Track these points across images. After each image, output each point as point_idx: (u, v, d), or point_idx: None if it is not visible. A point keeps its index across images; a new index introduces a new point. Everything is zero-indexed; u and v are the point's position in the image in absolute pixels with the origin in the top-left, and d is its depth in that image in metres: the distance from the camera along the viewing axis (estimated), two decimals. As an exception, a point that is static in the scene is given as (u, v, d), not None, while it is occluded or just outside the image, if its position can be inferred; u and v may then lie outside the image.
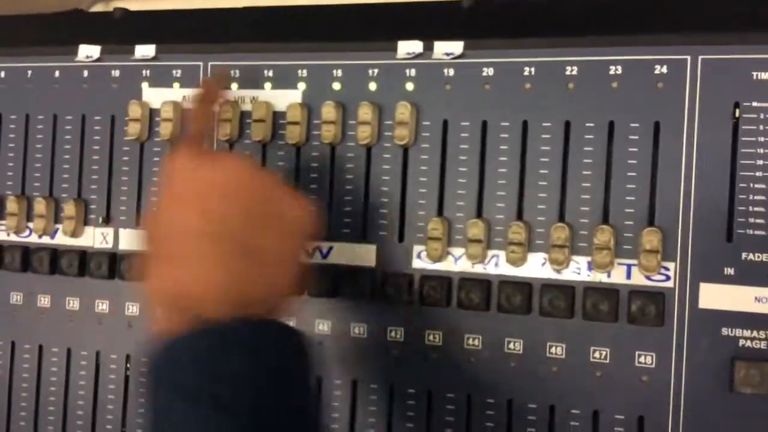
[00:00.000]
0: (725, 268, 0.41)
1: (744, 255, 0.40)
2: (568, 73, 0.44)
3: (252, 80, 0.50)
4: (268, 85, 0.50)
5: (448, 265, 0.45)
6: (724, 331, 0.40)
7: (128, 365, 0.51)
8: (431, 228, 0.45)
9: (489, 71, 0.45)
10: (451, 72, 0.46)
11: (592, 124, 0.43)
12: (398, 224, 0.46)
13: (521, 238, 0.44)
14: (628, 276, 0.42)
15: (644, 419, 0.41)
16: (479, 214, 0.45)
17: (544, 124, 0.44)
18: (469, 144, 0.45)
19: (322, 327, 0.47)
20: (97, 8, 0.70)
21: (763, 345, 0.40)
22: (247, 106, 0.49)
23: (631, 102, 0.43)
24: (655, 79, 0.42)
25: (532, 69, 0.45)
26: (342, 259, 0.47)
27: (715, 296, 0.41)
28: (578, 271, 0.43)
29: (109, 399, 0.51)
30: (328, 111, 0.47)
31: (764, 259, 0.40)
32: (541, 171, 0.44)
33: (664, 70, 0.42)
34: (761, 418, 0.40)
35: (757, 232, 0.40)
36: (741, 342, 0.40)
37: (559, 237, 0.43)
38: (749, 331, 0.40)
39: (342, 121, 0.48)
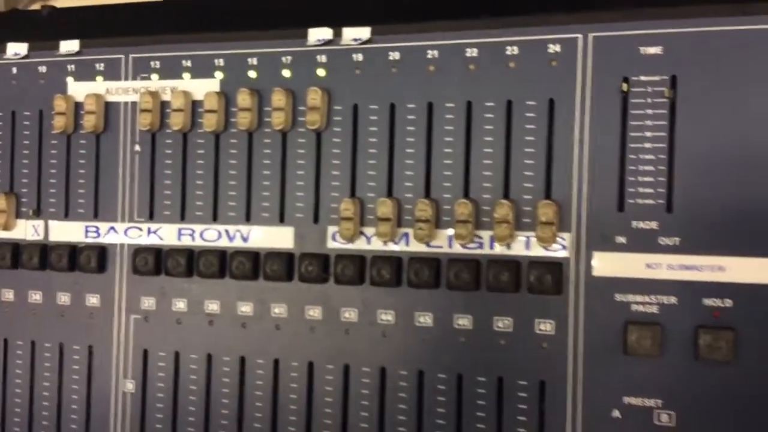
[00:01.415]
0: (617, 237, 0.43)
1: (634, 223, 0.43)
2: (468, 55, 0.46)
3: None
4: (186, 75, 0.52)
5: (361, 245, 0.48)
6: (618, 297, 0.43)
7: (62, 354, 0.53)
8: (343, 208, 0.47)
9: (395, 55, 0.47)
10: (360, 57, 0.48)
11: (491, 104, 0.45)
12: (313, 206, 0.49)
13: (428, 215, 0.46)
14: (527, 247, 0.44)
15: (545, 384, 0.44)
16: (389, 194, 0.47)
17: (448, 105, 0.46)
18: (378, 126, 0.48)
19: (245, 309, 0.50)
20: (35, 7, 0.72)
21: (653, 309, 0.42)
22: (167, 96, 0.52)
23: (527, 81, 0.45)
24: (549, 58, 0.45)
25: (435, 52, 0.47)
26: (261, 242, 0.50)
27: (608, 264, 0.43)
28: (482, 244, 0.45)
29: (45, 387, 0.54)
30: (243, 98, 0.49)
31: (654, 227, 0.42)
32: (446, 150, 0.46)
33: (558, 48, 0.44)
34: (653, 379, 0.42)
35: (646, 201, 0.43)
36: (633, 307, 0.42)
37: (462, 212, 0.45)
38: (641, 296, 0.42)
39: (258, 108, 0.50)
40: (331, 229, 0.48)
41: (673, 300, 0.42)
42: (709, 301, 0.41)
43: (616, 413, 0.42)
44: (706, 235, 0.41)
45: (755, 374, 0.40)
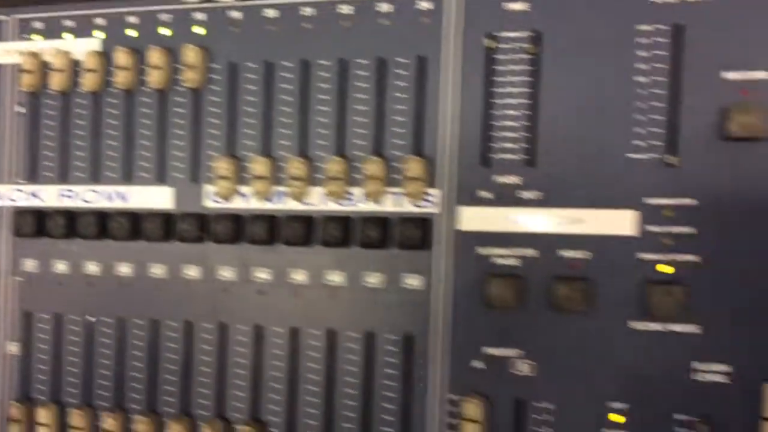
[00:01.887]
0: (482, 192, 0.44)
1: (498, 178, 0.43)
2: (342, 12, 0.46)
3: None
4: (68, 35, 0.51)
5: (238, 203, 0.48)
6: (481, 250, 0.44)
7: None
8: (220, 167, 0.47)
9: (271, 13, 0.48)
10: (237, 15, 0.48)
11: (365, 61, 0.46)
12: (191, 166, 0.49)
13: (302, 173, 0.46)
14: (398, 204, 0.45)
15: (414, 337, 0.45)
16: (265, 153, 0.47)
17: (322, 62, 0.46)
18: (254, 85, 0.48)
19: (124, 270, 0.50)
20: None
21: (514, 262, 0.43)
22: (49, 57, 0.51)
23: (399, 38, 0.45)
24: (419, 15, 0.45)
25: (310, 9, 0.47)
26: (140, 202, 0.49)
27: (472, 219, 0.44)
28: (354, 201, 0.46)
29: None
30: (120, 57, 0.49)
31: (516, 182, 0.43)
32: (320, 107, 0.46)
33: (428, 5, 0.45)
34: (513, 329, 0.43)
35: (509, 157, 0.43)
36: (496, 260, 0.43)
37: (334, 170, 0.45)
38: (503, 249, 0.43)
39: (137, 66, 0.50)
40: (209, 189, 0.48)
41: (532, 252, 0.43)
42: (566, 253, 0.42)
43: (478, 364, 0.44)
44: (565, 189, 0.42)
45: (610, 323, 0.42)
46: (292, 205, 0.47)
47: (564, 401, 0.42)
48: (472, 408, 0.43)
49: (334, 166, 0.45)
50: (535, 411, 0.43)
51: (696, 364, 0.40)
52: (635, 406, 0.41)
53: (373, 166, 0.45)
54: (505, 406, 0.43)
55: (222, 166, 0.47)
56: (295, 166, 0.46)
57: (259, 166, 0.47)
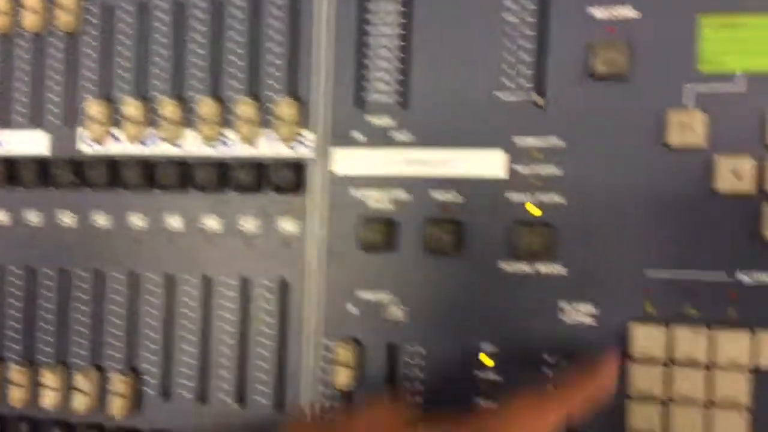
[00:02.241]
0: (355, 134, 0.43)
1: (371, 120, 0.43)
2: (217, -51, 0.45)
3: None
4: (-61, -26, 0.49)
5: (110, 147, 0.47)
6: (355, 193, 0.43)
7: None
8: (93, 110, 0.46)
9: (146, -49, 0.46)
10: (112, -47, 0.47)
11: (239, 1, 0.45)
12: (66, 109, 0.47)
13: (175, 115, 0.45)
14: (272, 147, 0.44)
15: (289, 282, 0.44)
16: (140, 95, 0.46)
17: (196, 2, 0.45)
18: (128, 26, 0.46)
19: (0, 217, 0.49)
20: None
21: (387, 205, 0.42)
22: None
23: (274, -24, 0.44)
24: (294, -47, 0.44)
25: (185, -53, 0.46)
26: (15, 147, 0.48)
27: (346, 161, 0.43)
28: (228, 144, 0.45)
29: None
30: (-8, -3, 0.47)
31: (389, 123, 0.42)
32: (194, 48, 0.45)
33: (302, -57, 0.44)
34: (386, 273, 0.43)
35: (382, 98, 0.43)
36: (369, 203, 0.43)
37: (207, 112, 0.44)
38: (376, 192, 0.43)
39: (13, 10, 0.48)
40: (83, 133, 0.47)
41: (405, 195, 0.42)
42: (437, 195, 0.42)
43: (351, 308, 0.43)
44: (437, 131, 0.42)
45: (479, 265, 0.41)
46: (166, 149, 0.46)
47: (435, 344, 0.42)
48: (345, 353, 0.42)
49: (206, 107, 0.44)
50: (408, 354, 0.42)
51: (563, 305, 0.40)
52: (504, 347, 0.41)
53: (246, 108, 0.44)
54: (378, 350, 0.43)
55: (94, 108, 0.46)
56: (168, 109, 0.45)
57: (130, 108, 0.45)
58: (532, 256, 0.40)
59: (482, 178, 0.41)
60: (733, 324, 0.38)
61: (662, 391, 0.39)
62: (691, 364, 0.38)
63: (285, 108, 0.43)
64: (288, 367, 0.44)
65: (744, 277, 0.38)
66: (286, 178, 0.43)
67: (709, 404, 0.38)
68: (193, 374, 0.45)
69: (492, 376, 0.41)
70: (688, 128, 0.38)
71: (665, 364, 0.39)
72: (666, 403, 0.39)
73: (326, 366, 0.43)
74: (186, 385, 0.45)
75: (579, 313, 0.40)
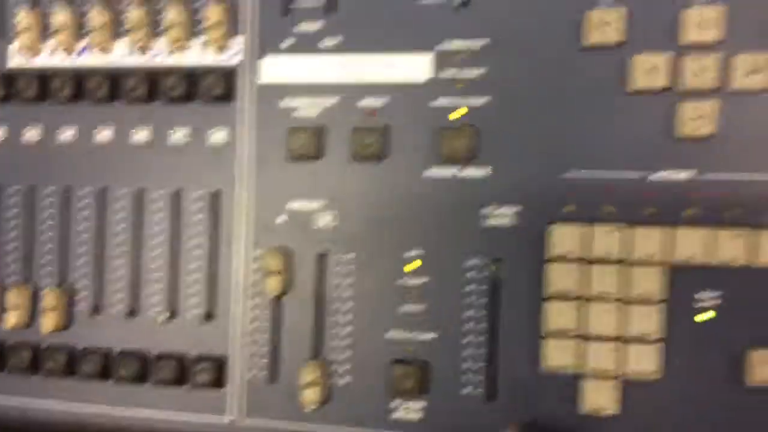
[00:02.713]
0: (283, 41, 0.43)
1: (299, 26, 0.43)
2: None
3: None
4: None
5: (43, 60, 0.46)
6: (284, 102, 0.43)
7: None
8: (23, 20, 0.46)
9: None
10: None
11: None
12: (-5, 22, 0.47)
13: (104, 22, 0.45)
14: (202, 54, 0.44)
15: (221, 192, 0.44)
16: (68, 3, 0.46)
17: None
18: (58, -64, 0.46)
19: (-71, 133, 0.48)
20: None
21: (315, 112, 0.43)
22: None
23: None
24: None
25: None
26: (-58, 62, 0.48)
27: (275, 68, 0.43)
28: (159, 53, 0.45)
29: None
30: None
31: (318, 28, 0.43)
32: (125, -41, 0.45)
33: None
34: (315, 182, 0.43)
35: (309, 2, 0.43)
36: (298, 111, 0.43)
37: (133, 18, 0.44)
38: (305, 100, 0.43)
39: None
40: (14, 45, 0.46)
41: (333, 102, 0.43)
42: (365, 101, 0.42)
43: (282, 218, 0.44)
44: (367, 34, 0.42)
45: (403, 169, 0.42)
46: (95, 60, 0.46)
47: (364, 251, 0.43)
48: (274, 260, 0.43)
49: (133, 14, 0.44)
50: (337, 263, 0.43)
51: (487, 208, 0.41)
52: (430, 252, 0.42)
53: (174, 13, 0.44)
54: (308, 258, 0.43)
55: (24, 18, 0.46)
56: (96, 17, 0.45)
57: (60, 17, 0.45)
58: (456, 160, 0.41)
59: (409, 83, 0.42)
60: (649, 221, 0.39)
61: (579, 289, 0.40)
62: (608, 261, 0.40)
63: (213, 12, 0.43)
64: (220, 279, 0.45)
65: (659, 175, 0.39)
66: (215, 87, 0.44)
67: (625, 300, 0.39)
68: (125, 288, 0.46)
69: (419, 281, 0.42)
70: (605, 27, 0.39)
71: (583, 262, 0.40)
72: (583, 300, 0.40)
73: (257, 278, 0.44)
74: (117, 299, 0.46)
75: (502, 216, 0.41)
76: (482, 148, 0.41)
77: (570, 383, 0.40)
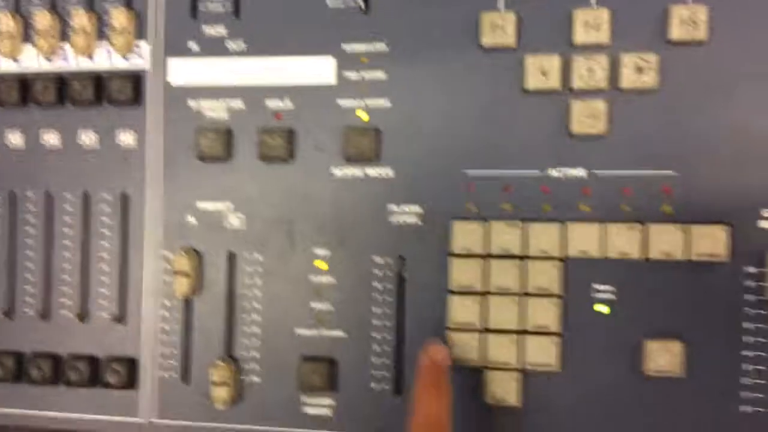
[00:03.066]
0: (190, 44, 0.44)
1: (205, 29, 0.44)
2: None
3: None
4: None
5: (-51, 64, 0.46)
6: (191, 104, 0.44)
7: None
8: (-72, 26, 0.46)
9: None
10: None
11: None
12: None
13: (11, 28, 0.45)
14: (109, 59, 0.45)
15: (130, 194, 0.44)
16: (-23, 10, 0.46)
17: None
18: (-37, -61, 0.46)
19: None
20: None
21: (223, 114, 0.43)
22: None
23: None
24: None
25: None
26: None
27: (182, 71, 0.44)
28: (66, 58, 0.45)
29: None
30: None
31: (222, 33, 0.43)
32: (31, -38, 0.45)
33: None
34: (223, 183, 0.44)
35: (216, 7, 0.43)
36: (205, 113, 0.44)
37: (41, 23, 0.44)
38: (212, 102, 0.44)
39: None
40: None
41: (240, 104, 0.43)
42: (271, 103, 0.43)
43: (191, 219, 0.44)
44: (269, 39, 0.43)
45: (310, 170, 0.42)
46: (4, 66, 0.45)
47: (273, 251, 0.43)
48: (183, 261, 0.43)
49: (41, 18, 0.44)
50: (246, 262, 0.44)
51: (392, 207, 0.42)
52: (338, 250, 0.43)
53: (81, 19, 0.44)
54: (218, 259, 0.44)
55: (-72, 23, 0.45)
56: (5, 22, 0.45)
57: (-34, 22, 0.45)
58: (361, 160, 0.42)
59: (313, 85, 0.43)
60: (545, 218, 0.41)
61: (481, 284, 0.41)
62: (507, 256, 0.41)
63: (120, 18, 0.43)
64: (131, 281, 0.45)
65: (555, 173, 0.41)
66: (123, 91, 0.44)
67: (523, 293, 0.41)
68: (35, 293, 0.46)
69: (327, 279, 0.43)
70: (499, 29, 0.40)
71: (484, 258, 0.41)
72: (484, 295, 0.41)
73: (167, 278, 0.44)
74: (29, 302, 0.46)
75: (406, 214, 0.42)
76: (385, 148, 0.42)
77: (474, 376, 0.41)
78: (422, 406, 0.38)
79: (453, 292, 0.41)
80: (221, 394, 0.43)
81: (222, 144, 0.43)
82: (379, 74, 0.42)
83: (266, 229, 0.43)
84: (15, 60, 0.45)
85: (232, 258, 0.44)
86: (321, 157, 0.42)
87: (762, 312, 0.39)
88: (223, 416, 0.44)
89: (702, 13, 0.39)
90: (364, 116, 0.42)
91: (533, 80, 0.40)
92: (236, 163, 0.43)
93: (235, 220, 0.44)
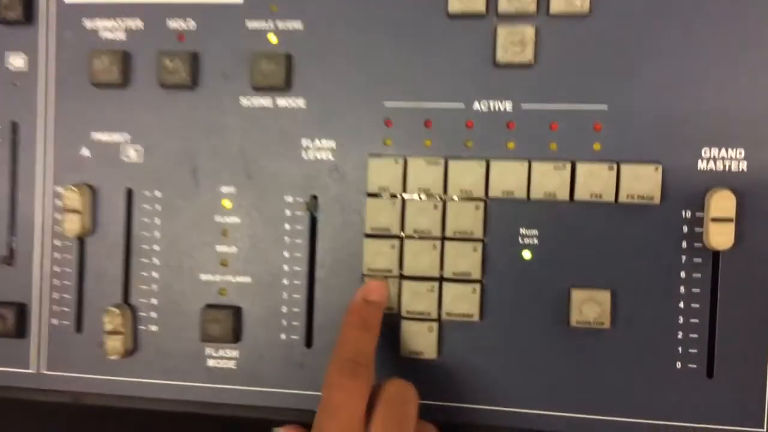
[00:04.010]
0: (86, -43, 0.40)
1: (103, -58, 0.40)
2: None
3: None
4: None
5: None
6: (86, 23, 0.40)
7: None
8: None
9: None
10: None
11: None
12: None
13: None
14: (-4, -28, 0.41)
15: (17, 124, 0.41)
16: None
17: None
18: None
19: None
20: None
21: (120, 35, 0.40)
22: None
23: None
24: None
25: None
26: None
27: (76, -13, 0.40)
28: (-52, -30, 0.41)
29: None
30: None
31: (124, -54, 0.40)
32: None
33: None
34: (120, 112, 0.40)
35: None
36: (101, 34, 0.40)
37: None
38: (109, 21, 0.40)
39: None
40: None
41: (139, 23, 0.40)
42: (173, 23, 0.39)
43: (85, 151, 0.40)
44: (175, -46, 0.39)
45: (218, 99, 0.39)
46: None
47: (174, 187, 0.40)
48: (74, 197, 0.40)
49: None
50: (145, 200, 0.40)
51: (304, 141, 0.39)
52: (246, 188, 0.39)
53: (-36, -74, 0.40)
54: (114, 195, 0.40)
55: None
56: None
57: None
58: (271, 89, 0.39)
59: (219, 4, 0.39)
60: (468, 155, 0.38)
61: (398, 226, 0.38)
62: (426, 196, 0.38)
63: (7, -74, 0.39)
64: (19, 218, 0.41)
65: (479, 106, 0.38)
66: (12, 8, 0.40)
67: (443, 236, 0.38)
68: None
69: (233, 220, 0.40)
70: (421, -55, 0.37)
71: (401, 198, 0.38)
72: (401, 238, 0.38)
73: (58, 216, 0.41)
74: None
75: (320, 150, 0.39)
76: (297, 76, 0.38)
77: (391, 324, 0.38)
78: (348, 341, 0.35)
79: (368, 235, 0.38)
80: (115, 343, 0.40)
81: (119, 68, 0.39)
82: (291, -7, 0.38)
83: (167, 163, 0.40)
84: None
85: (129, 195, 0.40)
86: (227, 84, 0.39)
87: (699, 261, 0.36)
88: (117, 368, 0.40)
89: (642, -68, 0.36)
90: (273, 39, 0.39)
91: (457, 2, 0.37)
92: (134, 90, 0.40)
93: (132, 153, 0.40)
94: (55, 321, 0.41)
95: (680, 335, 0.36)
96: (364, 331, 0.36)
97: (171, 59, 0.39)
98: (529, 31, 0.36)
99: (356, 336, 0.35)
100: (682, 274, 0.36)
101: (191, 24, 0.39)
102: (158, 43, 0.39)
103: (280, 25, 0.38)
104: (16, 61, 0.40)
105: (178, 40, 0.39)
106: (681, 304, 0.36)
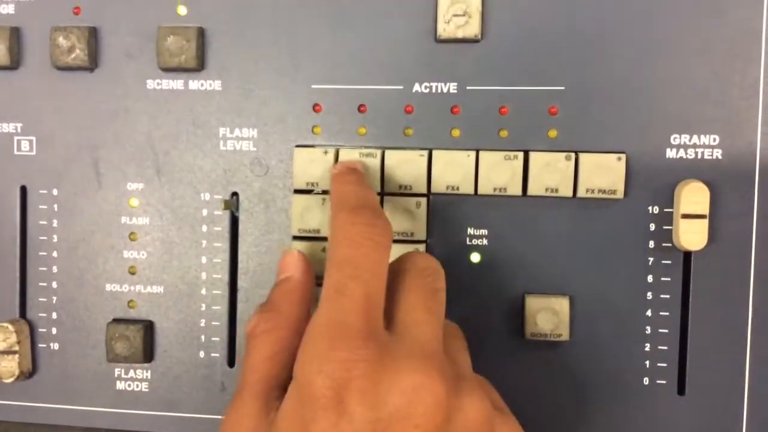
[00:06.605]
0: None
1: None
2: None
3: None
4: None
5: None
6: (-32, -5, 0.36)
7: None
8: None
9: None
10: None
11: None
12: None
13: None
14: None
15: None
16: None
17: None
18: None
19: None
20: None
21: (10, 9, 0.36)
22: None
23: None
24: None
25: None
26: None
27: (-45, -47, 0.36)
28: None
29: None
30: None
31: None
32: None
33: None
34: (10, 99, 0.36)
35: None
36: (-14, 7, 0.36)
37: None
38: (-5, -6, 0.36)
39: None
40: None
41: (27, -5, 0.36)
42: (67, -5, 0.35)
43: (-31, 143, 0.36)
44: None
45: (124, 81, 0.35)
46: None
47: (73, 184, 0.35)
48: (-42, 196, 0.36)
49: None
50: (41, 199, 0.36)
51: (222, 130, 0.35)
52: (156, 184, 0.35)
53: None
54: (5, 194, 0.36)
55: None
56: None
57: None
58: (181, 69, 0.35)
59: (122, -27, 0.35)
60: (409, 145, 0.34)
61: (328, 227, 0.34)
62: (359, 191, 0.34)
63: None
64: None
65: (419, 88, 0.34)
66: None
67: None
68: None
69: (142, 221, 0.35)
70: None
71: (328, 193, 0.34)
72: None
73: (-59, 216, 0.37)
74: None
75: (239, 140, 0.35)
76: (211, 55, 0.34)
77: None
78: (348, 193, 0.29)
79: (296, 237, 0.34)
80: (10, 364, 0.35)
81: (7, 47, 0.35)
82: (202, -41, 0.34)
83: (65, 157, 0.35)
84: None
85: (23, 193, 0.36)
86: (131, 64, 0.35)
87: (668, 262, 0.33)
88: (12, 392, 0.36)
89: None
90: (183, 11, 0.35)
91: (392, -32, 0.33)
92: (25, 72, 0.35)
93: (25, 145, 0.36)
94: (-61, 339, 0.37)
95: (647, 347, 0.33)
96: (360, 185, 0.30)
97: (66, 36, 0.34)
98: (474, 0, 0.33)
99: (354, 189, 0.29)
100: (650, 278, 0.33)
101: (88, -5, 0.35)
102: (53, 17, 0.35)
103: (191, -5, 0.34)
104: None
105: (74, 14, 0.35)
106: (648, 312, 0.33)
